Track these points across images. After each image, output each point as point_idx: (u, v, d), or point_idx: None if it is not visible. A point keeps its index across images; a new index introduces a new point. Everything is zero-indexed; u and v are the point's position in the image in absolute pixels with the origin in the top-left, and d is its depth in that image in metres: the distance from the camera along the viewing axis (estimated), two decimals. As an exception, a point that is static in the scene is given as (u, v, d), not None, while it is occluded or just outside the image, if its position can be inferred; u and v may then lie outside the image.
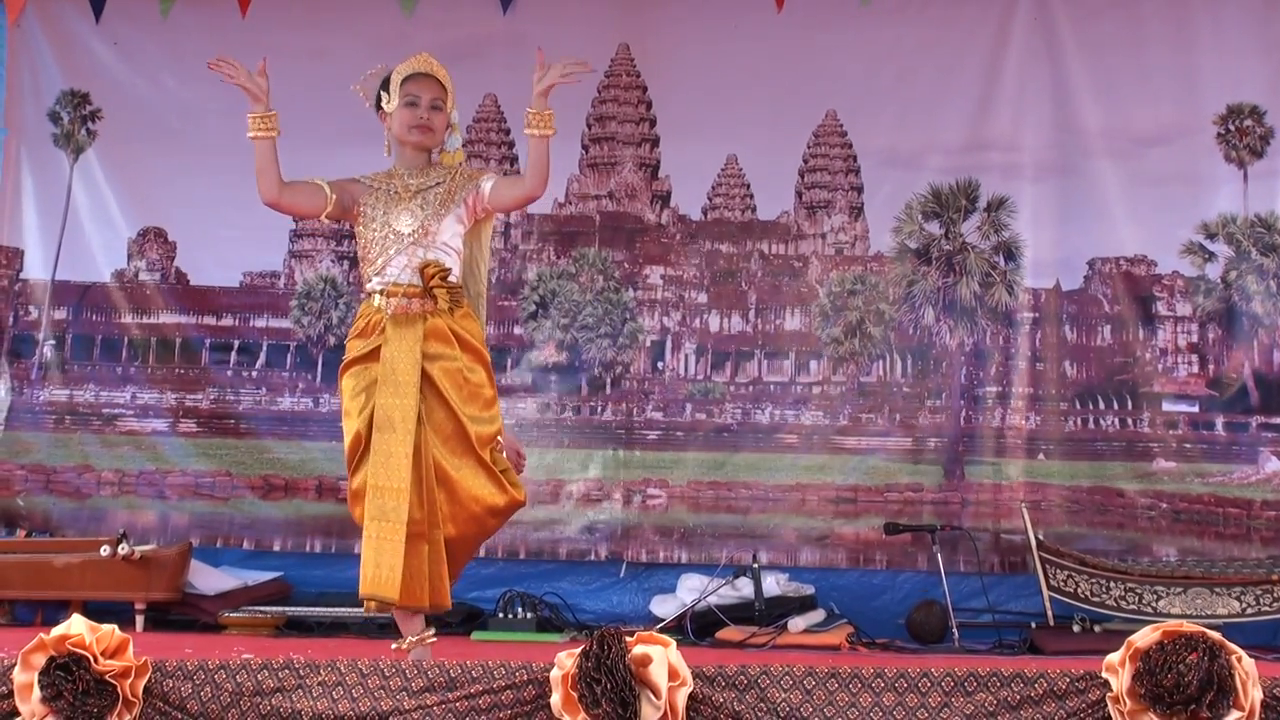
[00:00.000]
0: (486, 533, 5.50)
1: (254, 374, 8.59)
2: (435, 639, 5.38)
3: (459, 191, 5.43)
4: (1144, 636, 4.45)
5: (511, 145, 8.51)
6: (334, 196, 5.47)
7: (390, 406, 5.22)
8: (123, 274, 8.72)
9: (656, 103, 8.51)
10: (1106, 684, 4.48)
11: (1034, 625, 7.20)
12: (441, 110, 5.52)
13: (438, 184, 5.45)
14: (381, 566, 5.11)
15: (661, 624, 7.21)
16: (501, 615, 7.59)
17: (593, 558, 8.22)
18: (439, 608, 5.34)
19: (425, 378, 5.27)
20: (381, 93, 5.53)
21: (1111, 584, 7.12)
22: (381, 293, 5.38)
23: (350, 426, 5.33)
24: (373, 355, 5.33)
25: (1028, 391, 8.08)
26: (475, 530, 5.39)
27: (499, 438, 5.46)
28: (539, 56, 5.41)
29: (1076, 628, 7.14)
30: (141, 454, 8.60)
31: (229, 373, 8.57)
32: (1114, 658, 4.47)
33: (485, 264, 5.72)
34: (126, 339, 8.70)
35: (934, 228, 8.22)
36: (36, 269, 8.77)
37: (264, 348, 8.60)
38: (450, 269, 5.39)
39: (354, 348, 5.42)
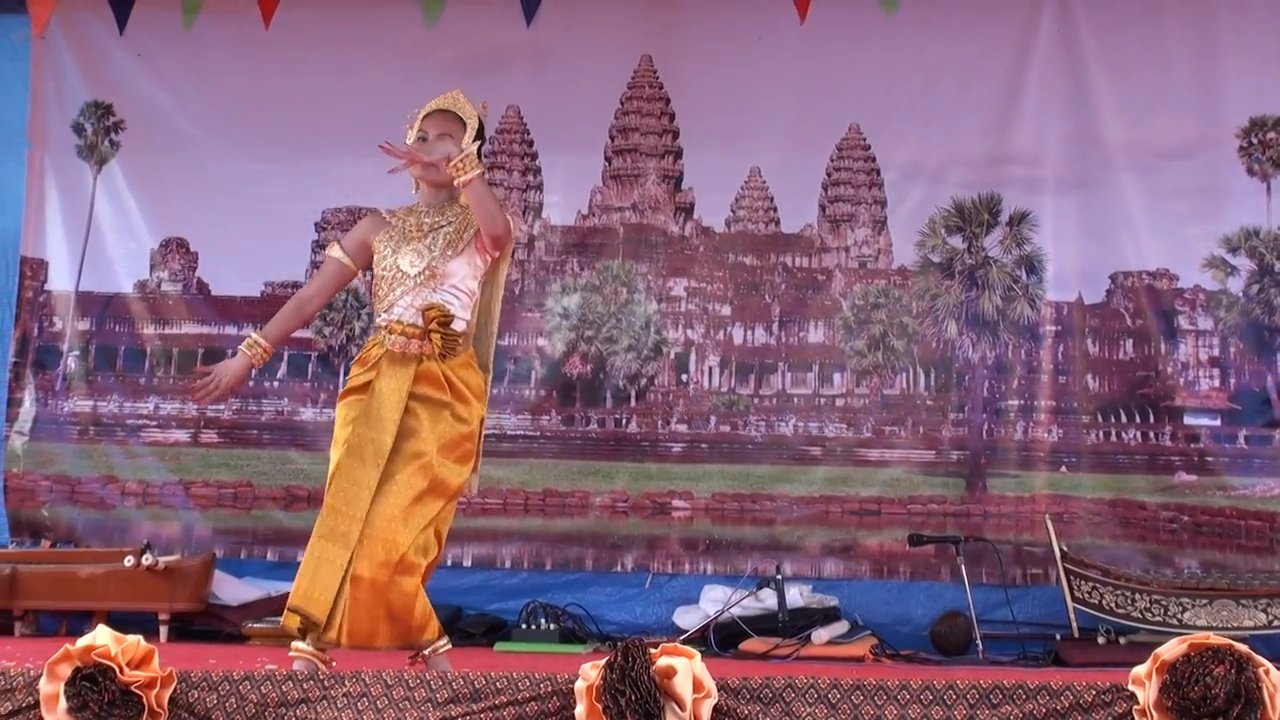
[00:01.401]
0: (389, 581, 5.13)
1: (276, 385, 8.62)
2: (449, 647, 5.36)
3: (466, 232, 5.34)
4: (1171, 649, 4.43)
5: (535, 157, 8.53)
6: (351, 263, 5.48)
7: (365, 439, 5.16)
8: (145, 284, 8.77)
9: (679, 114, 8.52)
10: (1133, 697, 4.46)
11: (1058, 637, 7.21)
12: (452, 143, 5.36)
13: (449, 224, 5.37)
14: (316, 584, 5.03)
15: (685, 635, 7.22)
16: (525, 626, 7.60)
17: (617, 569, 8.23)
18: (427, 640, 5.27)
19: (410, 413, 5.20)
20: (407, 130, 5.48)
21: (1136, 596, 7.10)
22: (385, 328, 5.32)
23: (335, 455, 5.27)
24: (366, 388, 5.28)
25: (1050, 405, 8.07)
26: (382, 574, 5.12)
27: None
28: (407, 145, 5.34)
29: (1101, 639, 7.14)
30: (164, 465, 8.63)
31: (251, 383, 8.54)
32: (1140, 670, 4.46)
33: (498, 306, 5.61)
34: (149, 349, 8.74)
35: (957, 241, 8.21)
36: (61, 280, 8.81)
37: (285, 358, 8.61)
38: (453, 315, 5.30)
39: (353, 376, 5.38)
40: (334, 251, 5.51)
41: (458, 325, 5.32)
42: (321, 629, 5.03)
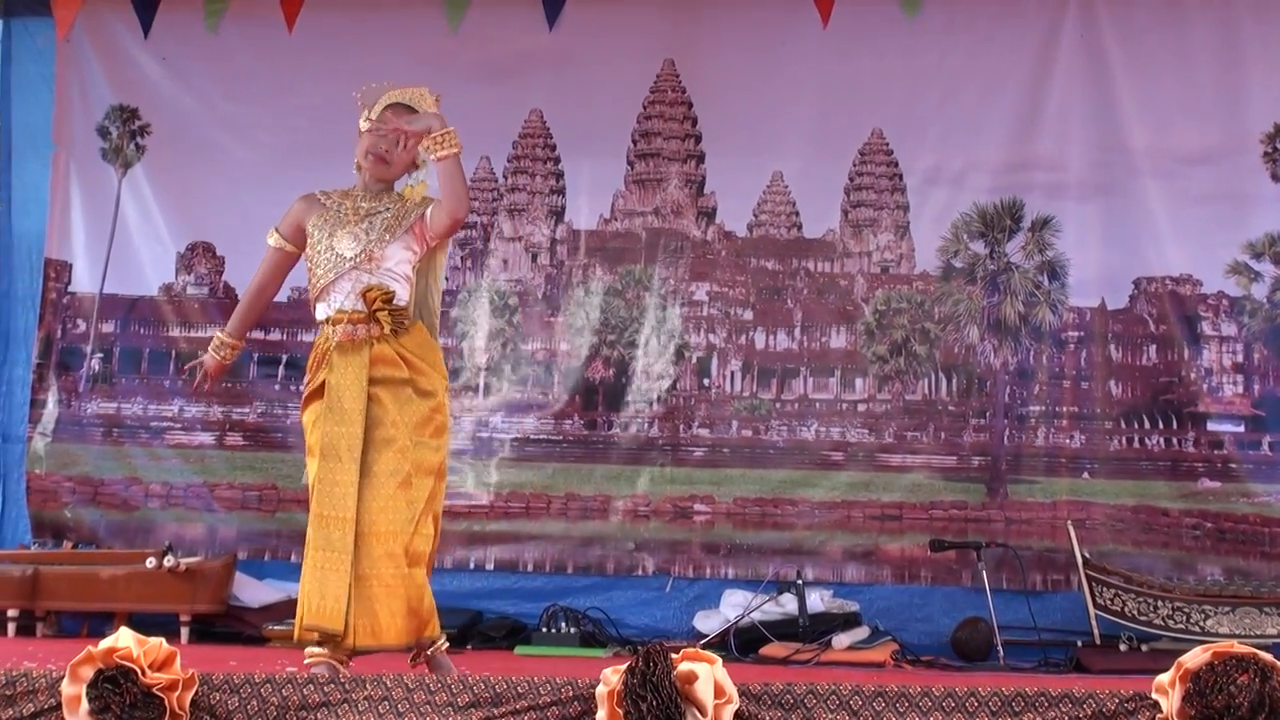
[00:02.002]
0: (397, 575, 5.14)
1: (301, 389, 8.51)
2: (447, 645, 5.34)
3: (406, 218, 5.30)
4: (1194, 657, 4.41)
5: (558, 162, 8.54)
6: (290, 246, 5.48)
7: (335, 435, 5.12)
8: (170, 288, 8.80)
9: (702, 119, 8.52)
10: (1156, 705, 4.44)
11: (1080, 644, 7.18)
12: (404, 146, 5.37)
13: (387, 209, 5.33)
14: (327, 597, 5.02)
15: (705, 639, 7.22)
16: (545, 630, 7.61)
17: (638, 573, 8.22)
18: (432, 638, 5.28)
19: (373, 400, 5.16)
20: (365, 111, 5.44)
21: (1159, 603, 7.08)
22: (328, 321, 5.29)
23: (312, 464, 5.24)
24: (323, 388, 5.23)
25: (1072, 410, 8.06)
26: (388, 567, 5.13)
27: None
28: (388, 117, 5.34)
29: (1123, 647, 7.11)
30: (189, 467, 8.66)
31: (276, 387, 8.61)
32: (1164, 678, 4.44)
33: (438, 294, 5.56)
34: (174, 352, 8.75)
35: (979, 247, 8.19)
36: (84, 282, 8.85)
37: None
38: (394, 293, 5.26)
39: (308, 383, 5.35)
40: (271, 239, 5.52)
41: (399, 303, 5.28)
42: (341, 639, 5.02)
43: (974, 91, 8.20)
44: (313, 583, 5.06)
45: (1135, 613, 7.11)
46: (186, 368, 5.86)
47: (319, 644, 5.07)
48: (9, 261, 8.89)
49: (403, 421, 5.17)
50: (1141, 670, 6.05)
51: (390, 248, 5.28)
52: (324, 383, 5.22)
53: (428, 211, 5.32)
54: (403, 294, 5.31)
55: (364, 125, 5.41)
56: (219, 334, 5.66)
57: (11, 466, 8.76)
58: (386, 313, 5.21)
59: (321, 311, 5.33)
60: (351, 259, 5.25)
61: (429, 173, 5.48)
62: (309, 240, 5.38)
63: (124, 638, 4.62)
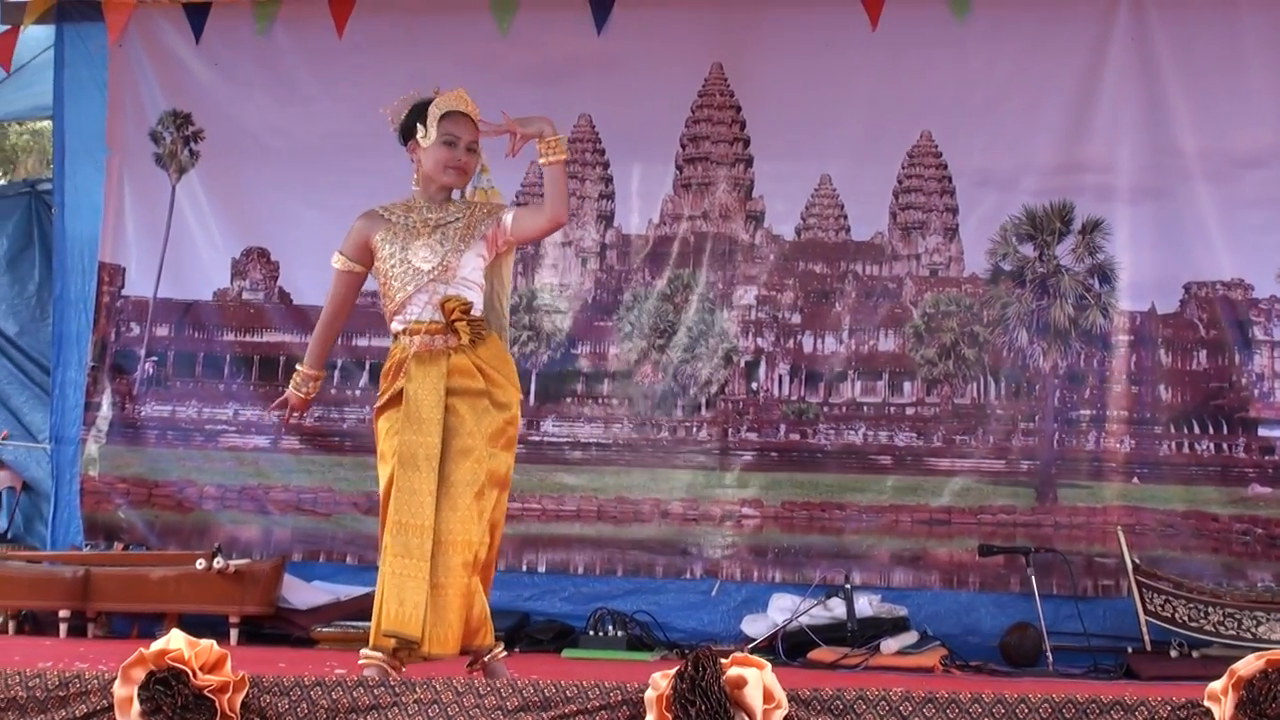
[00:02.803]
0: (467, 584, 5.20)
1: (357, 392, 8.65)
2: (505, 654, 5.37)
3: (479, 225, 5.36)
4: (1247, 664, 4.38)
5: (606, 166, 8.56)
6: (358, 267, 5.52)
7: (414, 444, 5.16)
8: (225, 293, 8.86)
9: (750, 122, 8.49)
10: (1209, 713, 4.41)
11: (1130, 650, 7.15)
12: (475, 152, 5.44)
13: (456, 219, 5.37)
14: (405, 604, 5.04)
15: (753, 644, 7.25)
16: (592, 633, 7.63)
17: (686, 576, 8.22)
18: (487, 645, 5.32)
19: (450, 410, 5.20)
20: (418, 124, 5.43)
21: (1210, 609, 7.05)
22: (405, 332, 5.33)
23: (384, 471, 5.27)
24: (400, 397, 5.27)
25: (1122, 415, 7.99)
26: (462, 577, 5.18)
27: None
28: (504, 115, 5.42)
29: (1174, 653, 7.08)
30: (244, 469, 8.72)
31: (332, 390, 8.62)
32: (1216, 686, 4.41)
33: (507, 299, 5.64)
34: (229, 356, 8.84)
35: (1028, 250, 8.15)
36: (138, 286, 8.93)
37: (366, 366, 8.64)
38: (472, 303, 5.32)
39: (383, 389, 5.38)
40: (337, 262, 5.54)
41: (476, 314, 5.33)
42: (417, 646, 5.05)
43: (1024, 93, 8.16)
44: (391, 589, 5.09)
45: (1186, 619, 7.08)
46: (273, 406, 5.99)
47: (379, 647, 5.09)
48: (62, 265, 8.99)
49: (479, 432, 5.23)
50: (1193, 677, 6.02)
51: (465, 256, 5.33)
52: (400, 391, 5.26)
53: (505, 218, 5.40)
54: (477, 302, 5.37)
55: (424, 140, 5.41)
56: (299, 368, 5.70)
57: (64, 468, 8.86)
58: (465, 324, 5.26)
59: (398, 323, 5.36)
60: (429, 271, 5.30)
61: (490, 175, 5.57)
62: (379, 255, 5.40)
63: (175, 640, 4.65)
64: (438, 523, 5.10)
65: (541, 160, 5.34)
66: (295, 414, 5.90)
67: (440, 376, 5.22)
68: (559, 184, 5.33)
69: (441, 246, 5.31)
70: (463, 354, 5.27)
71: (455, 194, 5.50)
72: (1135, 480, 7.96)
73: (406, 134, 5.50)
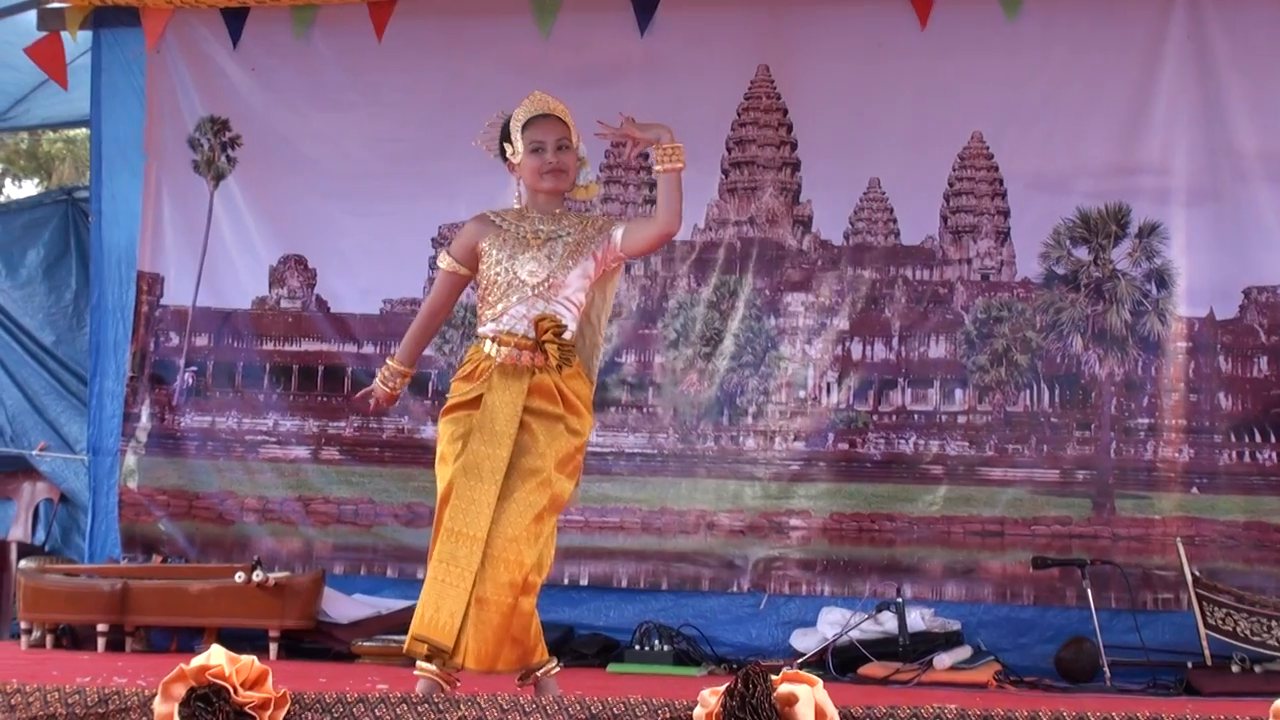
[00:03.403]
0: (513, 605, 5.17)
1: (397, 403, 8.59)
2: (558, 669, 5.37)
3: (589, 243, 5.35)
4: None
5: (650, 170, 8.47)
6: (464, 269, 5.49)
7: (482, 455, 5.16)
8: (264, 301, 8.91)
9: (797, 125, 8.47)
10: (1272, 731, 4.38)
11: (1190, 665, 7.10)
12: (569, 149, 5.41)
13: (568, 233, 5.36)
14: (441, 610, 5.06)
15: (802, 658, 7.24)
16: (638, 647, 7.65)
17: (733, 589, 8.21)
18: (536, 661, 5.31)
19: (525, 428, 5.20)
20: (504, 144, 5.45)
21: (1273, 623, 7.00)
22: (493, 339, 5.32)
23: (444, 473, 5.27)
24: (475, 403, 5.27)
25: (1180, 423, 7.93)
26: (507, 595, 5.16)
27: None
28: (622, 119, 5.40)
29: (1236, 668, 7.02)
30: (284, 481, 8.76)
31: (370, 402, 8.57)
32: None
33: (606, 315, 5.63)
34: (268, 366, 8.87)
35: (1082, 253, 8.10)
36: (177, 295, 8.98)
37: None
38: (566, 325, 5.31)
39: (457, 391, 5.37)
40: (444, 262, 5.54)
41: (567, 335, 5.32)
42: (449, 654, 5.06)
43: (1077, 93, 8.11)
44: (430, 594, 5.11)
45: (1248, 633, 7.02)
46: (359, 395, 5.98)
47: (428, 658, 5.11)
48: (100, 273, 9.06)
49: (550, 454, 5.22)
50: (1255, 693, 6.00)
51: (571, 274, 5.33)
52: (474, 398, 5.27)
53: (615, 234, 5.39)
54: (572, 323, 5.36)
55: (515, 156, 5.41)
56: (389, 362, 5.67)
57: (102, 479, 8.91)
58: (555, 346, 5.25)
59: (489, 329, 5.36)
60: (534, 286, 5.30)
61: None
62: (485, 260, 5.39)
63: (216, 655, 4.65)
64: (492, 537, 5.10)
65: (656, 168, 5.33)
66: (379, 407, 5.89)
67: (521, 393, 5.22)
68: (674, 192, 5.32)
69: (549, 261, 5.31)
70: (547, 375, 5.27)
71: (567, 197, 5.50)
72: (1194, 490, 7.90)
73: (505, 156, 5.50)
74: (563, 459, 5.26)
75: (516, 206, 5.47)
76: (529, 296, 5.30)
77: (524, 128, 5.40)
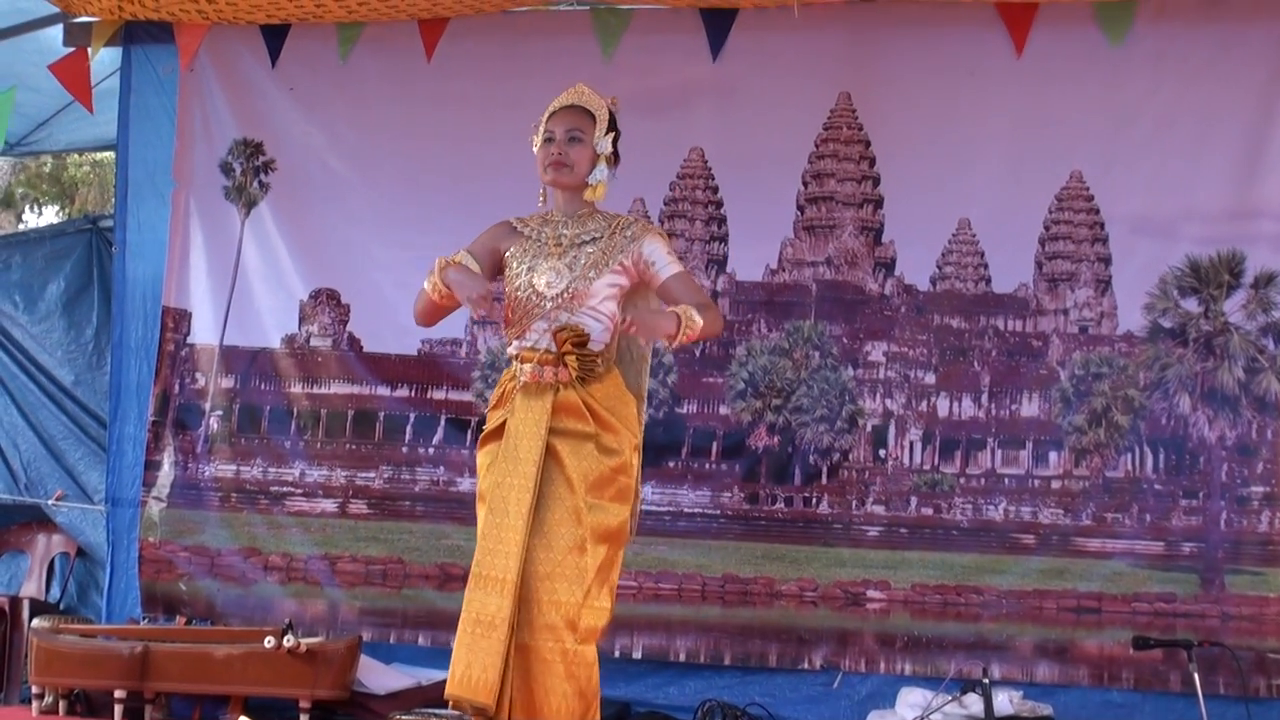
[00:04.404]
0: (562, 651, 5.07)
1: (431, 451, 8.61)
2: None
3: (615, 251, 5.31)
4: None
5: (720, 205, 8.44)
6: (478, 267, 5.37)
7: (506, 486, 5.09)
8: (293, 339, 8.85)
9: (880, 159, 8.37)
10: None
11: (1308, 760, 6.93)
12: (582, 141, 5.37)
13: (594, 238, 5.32)
14: (474, 666, 4.95)
15: (879, 744, 7.11)
16: (699, 727, 7.57)
17: (803, 666, 8.10)
18: None
19: (551, 451, 5.12)
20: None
21: (1401, 715, 6.82)
22: (517, 358, 5.29)
23: (481, 512, 5.21)
24: (502, 430, 5.23)
25: (1299, 493, 7.84)
26: (549, 640, 5.04)
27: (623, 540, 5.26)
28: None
29: (1358, 764, 6.84)
30: (309, 537, 8.69)
31: (404, 449, 8.61)
32: None
33: None
34: (296, 410, 8.83)
35: (1191, 305, 7.97)
36: (204, 333, 8.94)
37: (442, 422, 8.63)
38: (589, 335, 5.23)
39: (490, 421, 5.34)
40: (459, 258, 5.43)
41: (595, 346, 5.24)
42: (493, 713, 4.95)
43: (1188, 129, 7.97)
44: (461, 648, 5.02)
45: (1374, 725, 6.85)
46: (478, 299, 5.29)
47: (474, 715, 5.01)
48: (122, 309, 9.01)
49: (579, 479, 5.12)
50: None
51: (596, 284, 5.26)
52: (501, 425, 5.22)
53: (644, 250, 5.32)
54: (602, 335, 5.29)
55: (535, 148, 5.43)
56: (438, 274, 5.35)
57: (121, 533, 8.85)
58: (575, 357, 5.19)
59: (514, 347, 5.32)
60: (553, 298, 5.24)
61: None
62: (508, 271, 5.36)
63: (243, 727, 4.56)
64: (528, 577, 5.00)
65: (679, 339, 5.15)
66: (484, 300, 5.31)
67: (544, 412, 5.15)
68: (709, 334, 5.25)
69: (570, 271, 5.27)
70: (572, 390, 5.20)
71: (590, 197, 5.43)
72: (1315, 567, 7.77)
73: None
74: (596, 482, 5.15)
75: (541, 210, 5.45)
76: (549, 310, 5.24)
77: (549, 117, 5.43)
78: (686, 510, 8.31)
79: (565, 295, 5.22)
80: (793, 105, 8.39)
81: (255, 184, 8.89)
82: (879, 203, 8.36)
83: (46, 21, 8.88)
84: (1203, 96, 7.95)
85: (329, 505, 8.70)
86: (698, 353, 8.38)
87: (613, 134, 5.43)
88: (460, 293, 5.19)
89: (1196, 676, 7.04)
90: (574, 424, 5.16)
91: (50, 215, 16.94)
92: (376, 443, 8.65)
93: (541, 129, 5.40)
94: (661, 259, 5.34)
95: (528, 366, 5.23)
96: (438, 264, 5.38)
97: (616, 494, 5.21)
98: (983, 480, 8.12)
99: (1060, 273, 8.16)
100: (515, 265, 5.33)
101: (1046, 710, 7.43)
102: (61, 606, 9.01)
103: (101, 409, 9.25)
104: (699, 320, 5.11)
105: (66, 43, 8.95)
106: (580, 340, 5.19)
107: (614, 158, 5.47)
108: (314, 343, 8.80)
